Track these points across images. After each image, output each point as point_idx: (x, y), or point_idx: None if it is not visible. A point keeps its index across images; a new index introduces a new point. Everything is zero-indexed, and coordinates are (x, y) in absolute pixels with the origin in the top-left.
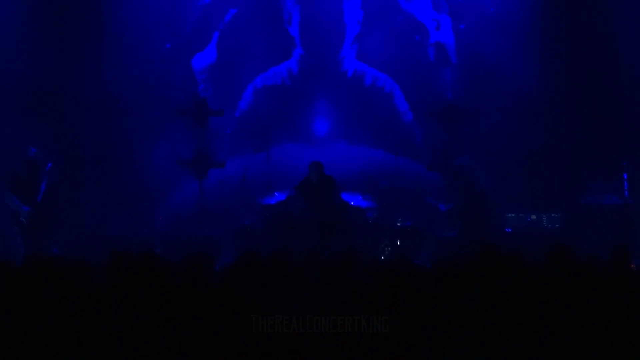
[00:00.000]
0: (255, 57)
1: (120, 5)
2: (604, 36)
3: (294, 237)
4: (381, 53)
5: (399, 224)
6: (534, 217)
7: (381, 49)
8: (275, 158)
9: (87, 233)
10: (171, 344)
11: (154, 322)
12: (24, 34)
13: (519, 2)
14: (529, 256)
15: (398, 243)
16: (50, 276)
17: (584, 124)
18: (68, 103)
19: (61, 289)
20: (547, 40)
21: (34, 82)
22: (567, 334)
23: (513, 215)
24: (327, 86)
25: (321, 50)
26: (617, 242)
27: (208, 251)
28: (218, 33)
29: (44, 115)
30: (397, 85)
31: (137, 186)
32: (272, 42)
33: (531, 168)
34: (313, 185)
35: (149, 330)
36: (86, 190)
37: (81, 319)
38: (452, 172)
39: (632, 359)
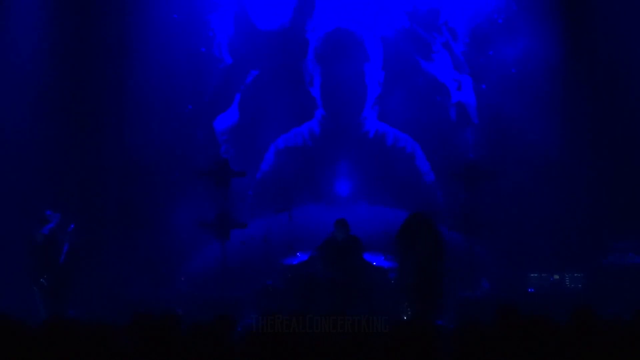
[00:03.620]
0: (277, 118)
1: (142, 67)
2: (626, 97)
3: (316, 298)
4: (402, 113)
5: None
6: (556, 276)
7: (402, 110)
8: (297, 219)
9: (108, 294)
10: None
11: None
12: (46, 96)
13: (540, 62)
14: (552, 317)
15: None
16: (71, 339)
17: (606, 184)
18: (90, 164)
19: (82, 352)
20: (569, 100)
21: (56, 143)
22: None
23: (536, 275)
24: (348, 147)
25: (343, 111)
26: None
27: (230, 313)
28: (240, 94)
29: (66, 177)
30: (419, 146)
31: (159, 247)
32: (293, 103)
33: (553, 227)
34: (337, 244)
35: None
36: (108, 252)
37: None
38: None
39: None
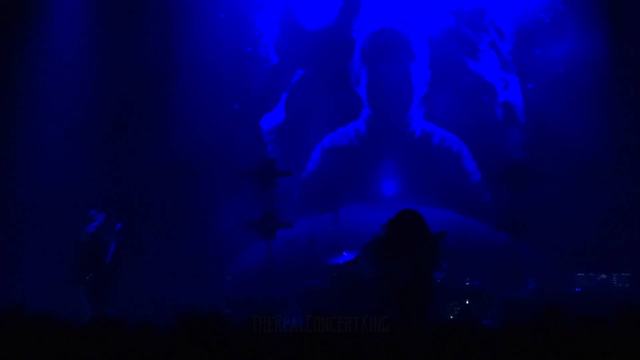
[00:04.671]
0: (323, 118)
1: (188, 67)
2: None
3: (361, 297)
4: (449, 113)
5: (467, 284)
6: (604, 276)
7: (449, 109)
8: (342, 219)
9: (153, 295)
10: None
11: None
12: (93, 95)
13: (587, 62)
14: (600, 316)
15: (467, 303)
16: (117, 339)
17: None
18: (136, 164)
19: (128, 352)
20: (615, 100)
21: (103, 143)
22: None
23: (583, 274)
24: (394, 146)
25: (389, 110)
26: None
27: (275, 313)
28: (286, 94)
29: (113, 177)
30: (465, 145)
31: (205, 247)
32: (339, 102)
33: (599, 227)
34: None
35: None
36: (154, 252)
37: None
38: None
39: None
